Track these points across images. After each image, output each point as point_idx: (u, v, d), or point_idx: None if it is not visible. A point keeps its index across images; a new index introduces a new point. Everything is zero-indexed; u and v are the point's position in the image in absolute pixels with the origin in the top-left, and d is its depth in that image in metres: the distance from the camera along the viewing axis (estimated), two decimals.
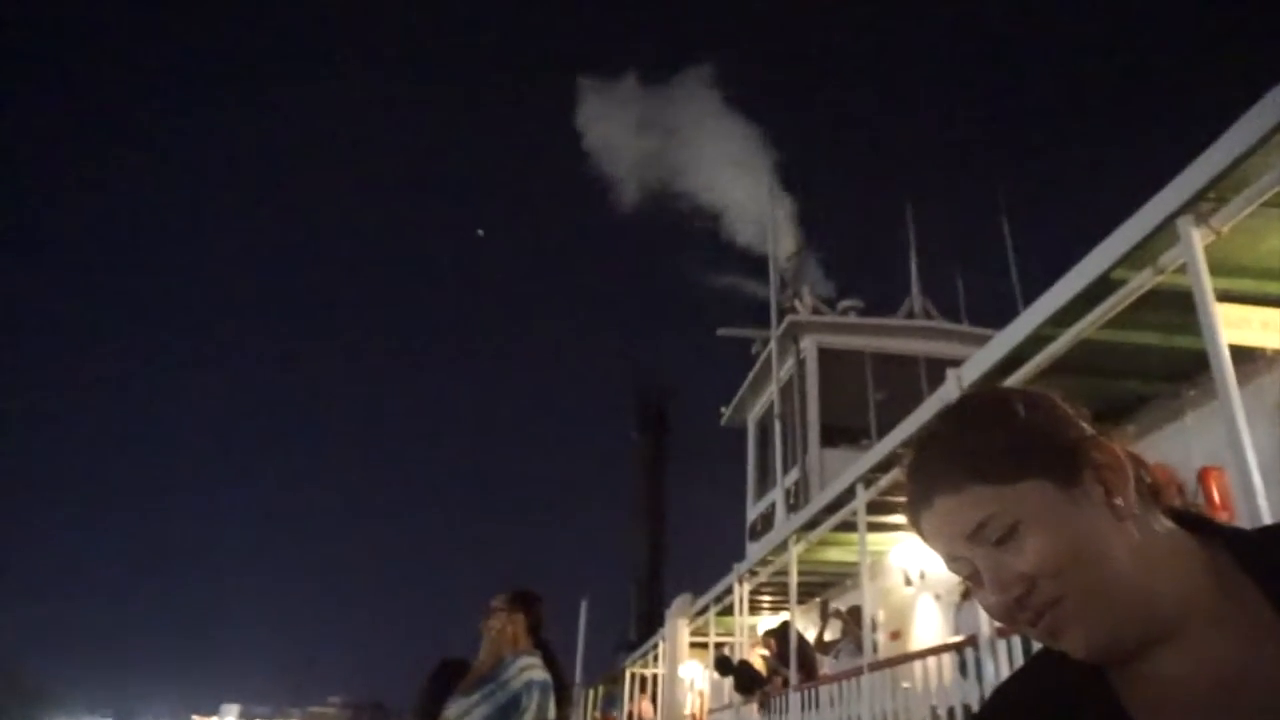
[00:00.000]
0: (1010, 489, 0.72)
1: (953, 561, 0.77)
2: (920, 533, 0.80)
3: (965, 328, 13.95)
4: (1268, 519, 3.10)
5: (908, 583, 9.15)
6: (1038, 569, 0.70)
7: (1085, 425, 0.76)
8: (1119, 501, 0.71)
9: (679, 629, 13.79)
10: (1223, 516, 4.54)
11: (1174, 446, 5.18)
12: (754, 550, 11.16)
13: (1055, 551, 0.70)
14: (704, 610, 12.76)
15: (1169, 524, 0.74)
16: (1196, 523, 0.75)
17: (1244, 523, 3.55)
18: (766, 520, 13.62)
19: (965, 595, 6.41)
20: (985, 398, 0.82)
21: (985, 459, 0.74)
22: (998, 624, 4.81)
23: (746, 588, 10.75)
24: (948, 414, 0.82)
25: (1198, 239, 3.44)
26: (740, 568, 10.79)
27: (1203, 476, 4.68)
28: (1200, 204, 3.47)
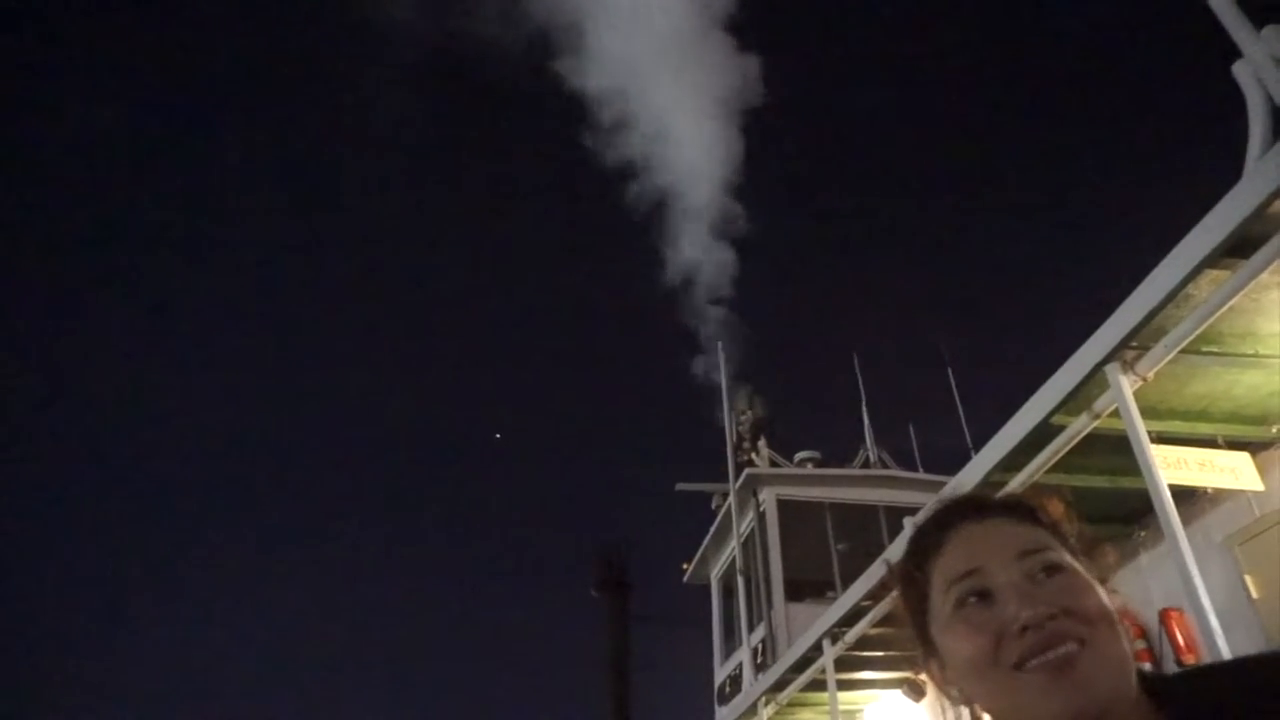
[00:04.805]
0: (1067, 549, 0.79)
1: (967, 577, 0.77)
2: (935, 545, 0.82)
3: (921, 475, 14.09)
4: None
5: None
6: (1081, 606, 0.72)
7: None
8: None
9: None
10: (1188, 659, 4.52)
11: (1134, 588, 5.21)
12: (724, 715, 10.65)
13: (1100, 604, 0.73)
14: None
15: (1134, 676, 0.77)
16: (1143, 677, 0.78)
17: None
18: (735, 682, 13.09)
19: None
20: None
21: (1048, 516, 0.82)
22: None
23: None
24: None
25: (1126, 385, 3.63)
26: None
27: (1164, 619, 4.69)
28: (1125, 352, 3.68)
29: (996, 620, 0.74)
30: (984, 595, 0.76)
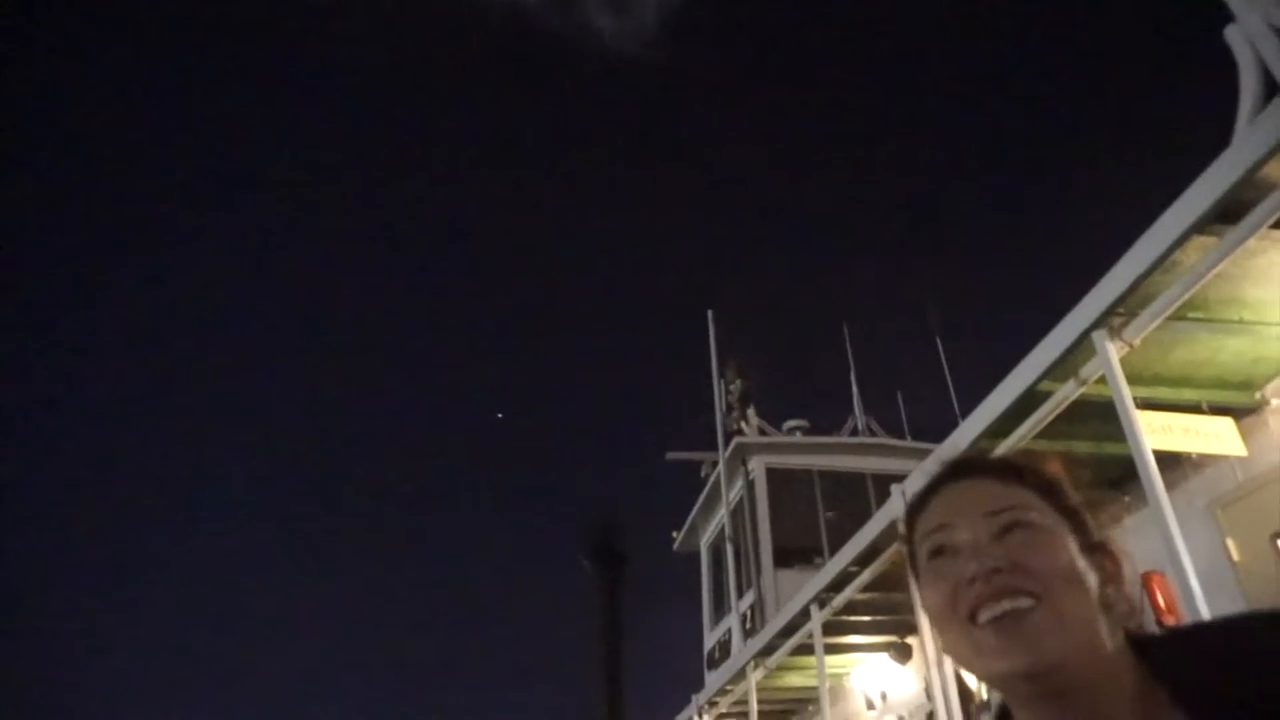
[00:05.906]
0: (1049, 509, 0.77)
1: (935, 533, 0.79)
2: (921, 505, 0.83)
3: (908, 443, 14.19)
4: None
5: (870, 706, 8.93)
6: (1031, 561, 0.72)
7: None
8: (1110, 590, 0.75)
9: None
10: (1169, 621, 4.60)
11: None
12: (713, 679, 10.81)
13: (1060, 562, 0.72)
14: None
15: (1119, 637, 0.76)
16: (1134, 638, 0.77)
17: None
18: (724, 647, 13.26)
19: (931, 716, 6.27)
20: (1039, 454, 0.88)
21: (1037, 477, 0.80)
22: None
23: (707, 719, 10.35)
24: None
25: (1113, 351, 3.64)
26: (699, 698, 10.42)
27: (1146, 582, 4.75)
28: (1112, 319, 3.69)
29: (954, 573, 0.75)
30: (949, 550, 0.78)
